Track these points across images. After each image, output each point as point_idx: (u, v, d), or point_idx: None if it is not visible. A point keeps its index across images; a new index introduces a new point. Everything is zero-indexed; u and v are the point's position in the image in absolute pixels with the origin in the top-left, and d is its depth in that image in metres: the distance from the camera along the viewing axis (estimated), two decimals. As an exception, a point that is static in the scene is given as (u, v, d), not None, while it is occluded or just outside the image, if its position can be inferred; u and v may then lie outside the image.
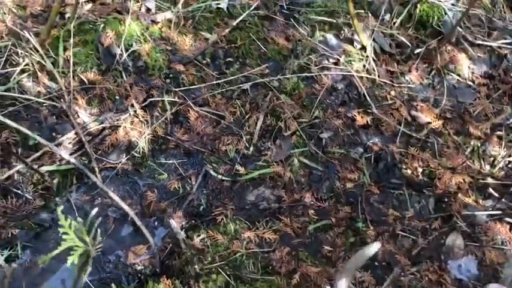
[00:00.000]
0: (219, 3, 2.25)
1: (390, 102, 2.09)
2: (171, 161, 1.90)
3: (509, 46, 2.25)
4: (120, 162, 1.83)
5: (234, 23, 2.18)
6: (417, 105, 2.10)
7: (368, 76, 2.13)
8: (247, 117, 1.98)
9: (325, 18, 2.29)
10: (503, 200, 1.69)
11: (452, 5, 2.28)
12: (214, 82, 2.05)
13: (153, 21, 2.14)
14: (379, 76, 2.14)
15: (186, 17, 2.20)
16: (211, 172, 1.86)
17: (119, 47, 2.00)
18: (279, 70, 2.11)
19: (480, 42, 2.29)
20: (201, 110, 1.98)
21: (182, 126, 1.97)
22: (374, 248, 0.99)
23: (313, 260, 1.52)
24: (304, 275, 1.46)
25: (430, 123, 2.02)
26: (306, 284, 1.43)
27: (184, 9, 2.19)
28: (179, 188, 1.82)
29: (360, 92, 2.08)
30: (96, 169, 1.76)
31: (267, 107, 1.98)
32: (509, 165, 1.84)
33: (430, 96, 2.15)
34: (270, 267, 1.48)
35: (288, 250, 1.55)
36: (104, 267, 1.61)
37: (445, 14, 2.25)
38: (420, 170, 1.85)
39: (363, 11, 2.32)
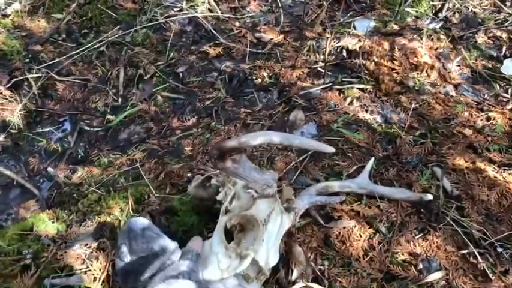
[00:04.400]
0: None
1: (236, 32, 2.34)
2: (47, 129, 2.05)
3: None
4: (-3, 141, 1.96)
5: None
6: (261, 28, 2.36)
7: (212, 15, 2.38)
8: (109, 74, 2.17)
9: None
10: (329, 73, 1.98)
11: None
12: (74, 53, 2.22)
13: (4, 15, 2.28)
14: (222, 13, 2.39)
15: (36, 5, 2.37)
16: (85, 127, 2.03)
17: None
18: (130, 28, 2.31)
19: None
20: (67, 79, 2.15)
21: (53, 98, 2.13)
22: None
23: (176, 161, 1.71)
24: (169, 172, 1.65)
25: (272, 39, 2.29)
26: (169, 177, 1.62)
27: (33, -1, 2.36)
28: (58, 147, 1.98)
29: (207, 29, 2.32)
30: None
31: (124, 59, 2.18)
32: (338, 50, 2.13)
33: (271, 19, 2.42)
34: (140, 177, 1.66)
35: (156, 160, 1.74)
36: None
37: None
38: (267, 75, 2.10)
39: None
